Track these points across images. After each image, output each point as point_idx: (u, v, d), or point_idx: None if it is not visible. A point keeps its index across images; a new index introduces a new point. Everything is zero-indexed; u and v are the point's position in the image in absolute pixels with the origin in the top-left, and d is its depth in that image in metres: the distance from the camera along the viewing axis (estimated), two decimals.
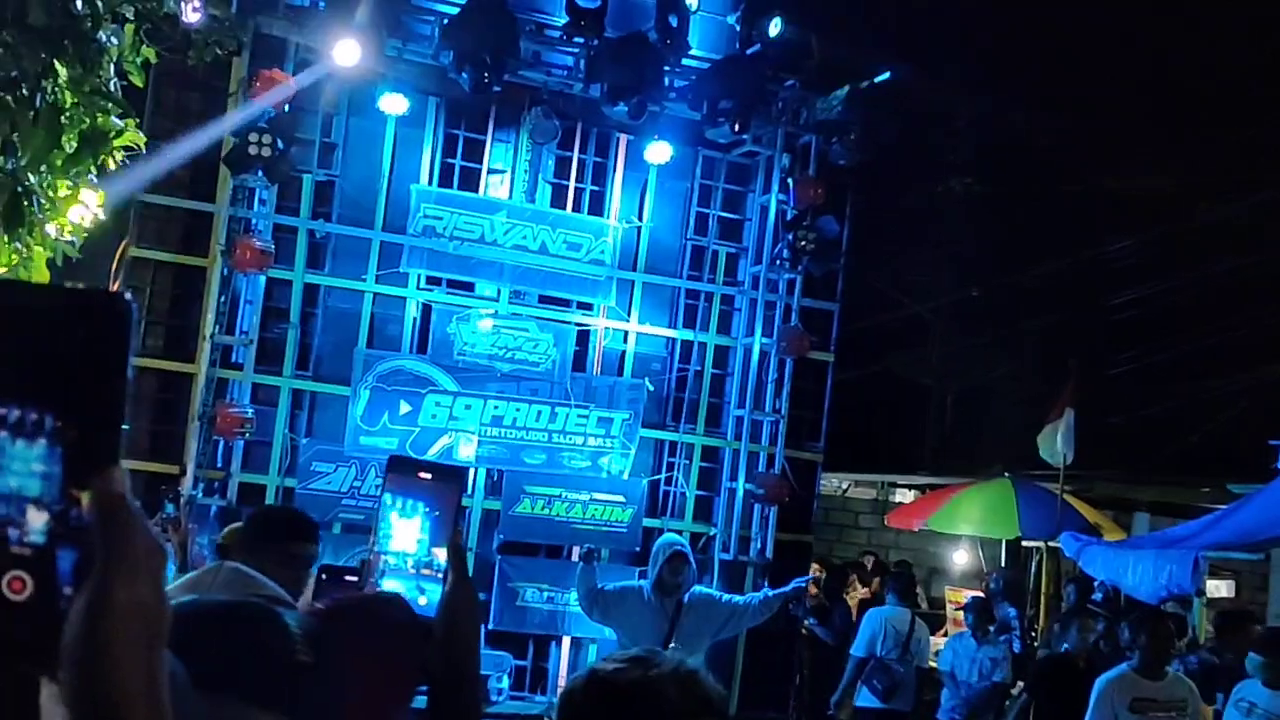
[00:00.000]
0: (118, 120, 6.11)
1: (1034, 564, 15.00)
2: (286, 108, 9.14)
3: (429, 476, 1.74)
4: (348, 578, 3.00)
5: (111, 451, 0.93)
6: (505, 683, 9.90)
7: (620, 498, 10.31)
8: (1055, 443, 12.07)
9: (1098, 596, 11.22)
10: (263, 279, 9.39)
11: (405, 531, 1.85)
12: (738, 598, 7.98)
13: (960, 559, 18.09)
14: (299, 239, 9.65)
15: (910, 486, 19.54)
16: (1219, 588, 14.14)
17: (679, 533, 10.52)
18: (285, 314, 9.65)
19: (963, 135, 23.06)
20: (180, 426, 9.28)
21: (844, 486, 21.09)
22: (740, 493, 10.52)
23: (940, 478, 18.09)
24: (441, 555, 1.81)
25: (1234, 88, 19.83)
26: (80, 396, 0.92)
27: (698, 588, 7.56)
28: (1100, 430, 17.22)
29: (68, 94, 5.46)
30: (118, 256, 9.68)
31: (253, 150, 8.83)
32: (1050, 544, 12.44)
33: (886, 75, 9.97)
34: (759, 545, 10.46)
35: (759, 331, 10.58)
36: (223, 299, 9.23)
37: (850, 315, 21.78)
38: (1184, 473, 16.87)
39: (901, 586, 10.59)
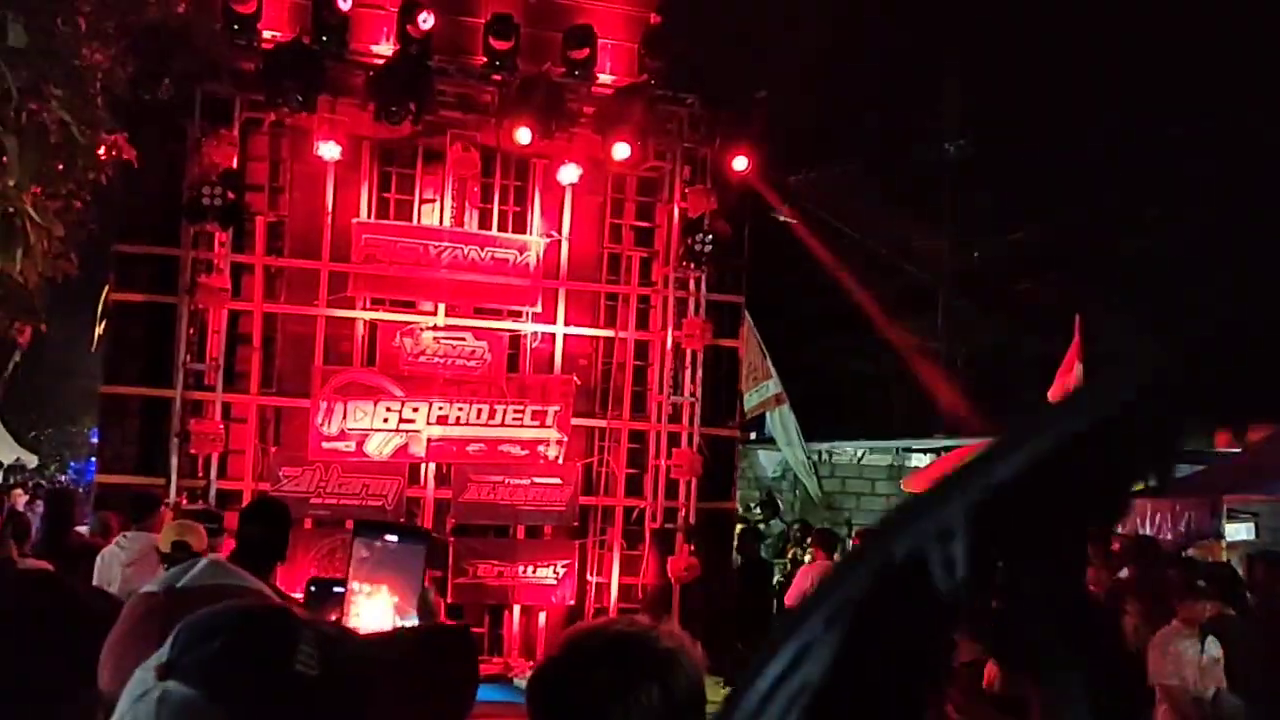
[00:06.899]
0: (106, 135, 6.70)
1: None
2: (235, 161, 10.56)
3: (395, 539, 1.69)
4: (336, 589, 2.96)
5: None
6: None
7: (557, 480, 11.60)
8: None
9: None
10: (225, 311, 10.80)
11: (371, 611, 1.88)
12: None
13: None
14: (256, 274, 11.05)
15: (926, 451, 19.91)
16: (1238, 531, 14.33)
17: (611, 505, 11.83)
18: (249, 340, 11.03)
19: (952, 98, 23.60)
20: (163, 444, 10.74)
21: (859, 454, 21.84)
22: (664, 469, 11.75)
23: (955, 440, 18.35)
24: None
25: None
26: None
27: None
28: None
29: (59, 113, 5.92)
30: (102, 299, 11.20)
31: (206, 201, 10.27)
32: None
33: (763, 93, 11.04)
34: (684, 514, 11.69)
35: (672, 326, 11.79)
36: (191, 331, 10.68)
37: (853, 285, 22.72)
38: None
39: (826, 544, 11.71)
